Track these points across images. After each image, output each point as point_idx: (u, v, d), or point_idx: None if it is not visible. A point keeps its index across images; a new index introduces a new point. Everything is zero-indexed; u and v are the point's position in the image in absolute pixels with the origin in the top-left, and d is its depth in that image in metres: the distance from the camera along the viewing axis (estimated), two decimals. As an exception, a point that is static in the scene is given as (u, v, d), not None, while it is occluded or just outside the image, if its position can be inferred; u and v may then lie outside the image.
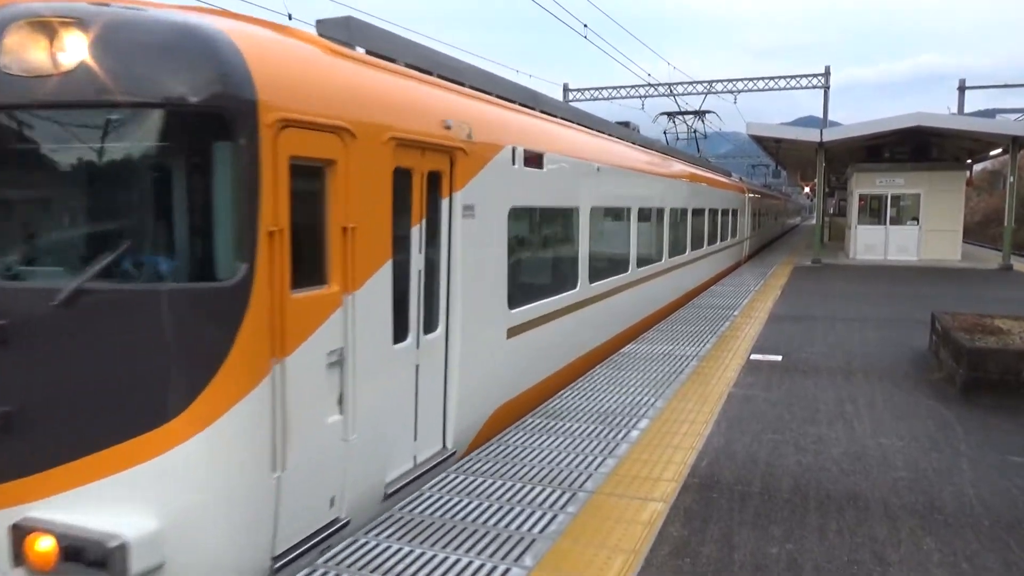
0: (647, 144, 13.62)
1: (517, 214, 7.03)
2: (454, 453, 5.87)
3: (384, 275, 4.79)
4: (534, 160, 7.24)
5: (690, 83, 36.46)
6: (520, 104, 7.80)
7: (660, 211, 12.94)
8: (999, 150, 25.78)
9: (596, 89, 38.41)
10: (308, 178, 4.21)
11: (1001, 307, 12.12)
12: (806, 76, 35.86)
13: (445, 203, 5.67)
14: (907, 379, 8.20)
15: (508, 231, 6.74)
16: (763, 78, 36.34)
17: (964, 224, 25.94)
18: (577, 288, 8.73)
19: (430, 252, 5.49)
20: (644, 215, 11.76)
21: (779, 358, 9.25)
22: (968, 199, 28.43)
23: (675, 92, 34.18)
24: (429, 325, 5.53)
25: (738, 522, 4.50)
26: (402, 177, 5.04)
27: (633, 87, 36.66)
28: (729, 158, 68.60)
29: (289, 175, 3.92)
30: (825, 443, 5.99)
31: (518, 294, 7.11)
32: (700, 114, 25.36)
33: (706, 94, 35.10)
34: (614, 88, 37.70)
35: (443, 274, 5.70)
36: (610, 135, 11.06)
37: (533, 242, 7.95)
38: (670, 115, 25.60)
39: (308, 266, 4.21)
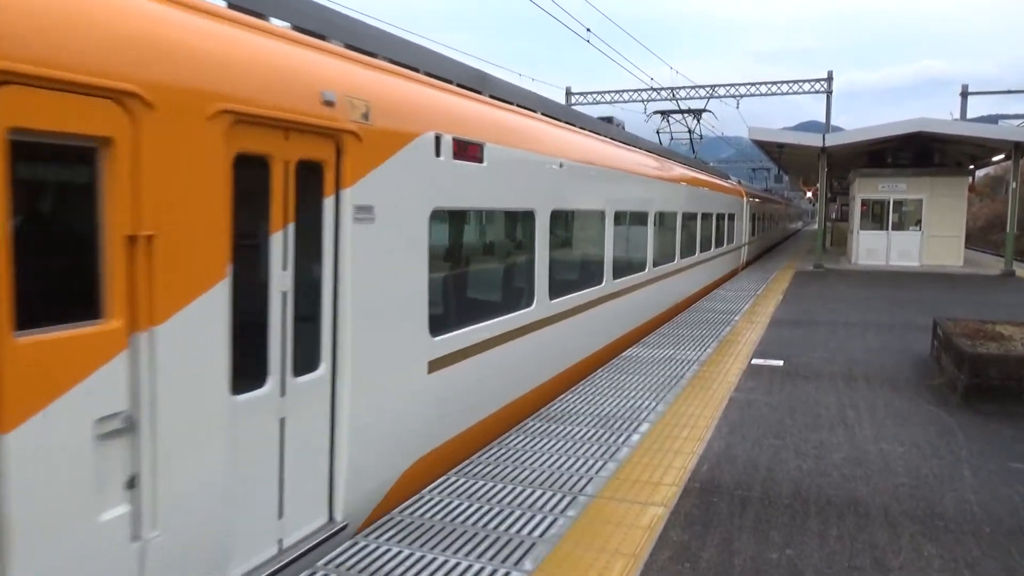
0: (629, 141, 12.35)
1: (443, 218, 5.90)
2: (346, 526, 4.58)
3: (214, 301, 3.52)
4: (470, 152, 5.99)
5: (692, 87, 36.54)
6: (459, 85, 6.46)
7: (643, 215, 11.69)
8: (1002, 156, 25.79)
9: (599, 93, 38.49)
10: (56, 163, 3.08)
11: (1003, 313, 12.11)
12: (809, 81, 35.90)
13: (328, 203, 4.40)
14: (908, 385, 8.19)
15: (430, 239, 5.43)
16: (766, 83, 36.37)
17: (966, 230, 25.93)
18: (533, 306, 7.37)
19: (305, 267, 4.26)
20: (623, 219, 10.54)
21: (780, 363, 9.24)
22: (970, 205, 28.42)
23: (678, 96, 34.26)
24: (306, 363, 4.26)
25: (738, 527, 4.49)
26: (252, 167, 3.81)
27: (636, 91, 36.73)
28: (731, 162, 68.69)
29: (8, 157, 2.72)
30: (826, 448, 5.98)
31: (445, 317, 5.84)
32: (696, 113, 24.66)
33: (708, 98, 35.12)
34: (617, 92, 37.76)
35: (327, 295, 4.43)
36: (583, 129, 9.77)
37: (468, 252, 6.77)
38: (664, 114, 24.79)
39: (57, 293, 3.04)
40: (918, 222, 25.27)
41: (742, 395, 7.64)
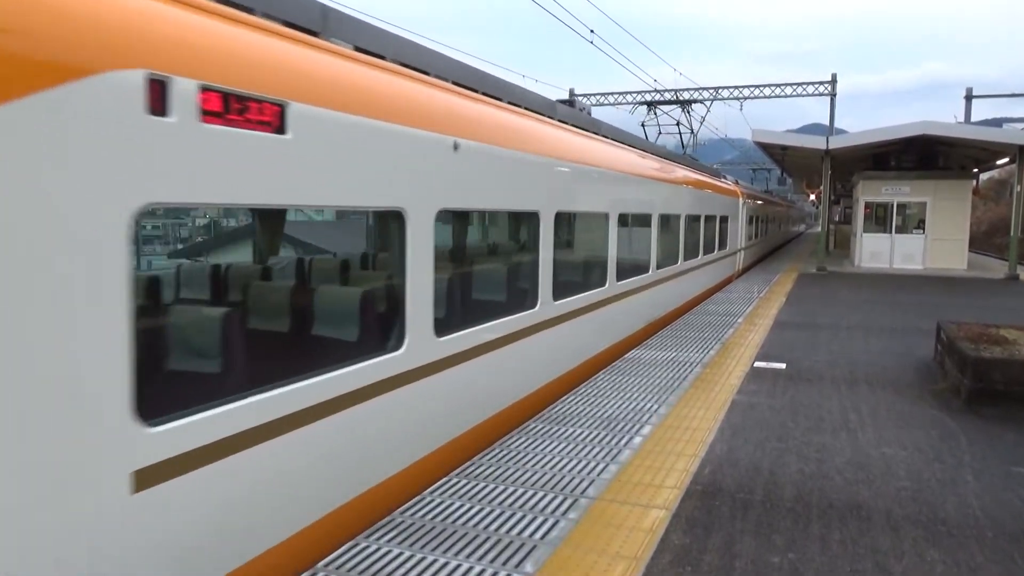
0: (588, 126, 10.00)
1: (171, 220, 4.02)
2: None
3: None
4: (252, 114, 3.78)
5: (696, 89, 36.53)
6: (289, 24, 4.42)
7: (603, 216, 9.50)
8: (1006, 159, 25.74)
9: (602, 95, 38.50)
10: None
11: (1007, 317, 12.08)
12: (812, 84, 35.88)
13: None
14: (911, 389, 8.17)
15: (129, 254, 3.17)
16: (769, 85, 36.36)
17: (970, 233, 25.90)
18: (403, 348, 5.09)
19: None
20: (571, 222, 8.42)
21: (783, 366, 9.22)
22: (974, 208, 28.40)
23: (681, 99, 34.24)
24: None
25: (740, 530, 4.48)
26: None
27: (639, 92, 36.75)
28: (735, 164, 68.81)
29: None
30: (828, 452, 5.97)
31: (184, 388, 3.78)
32: (686, 104, 23.78)
33: (712, 100, 35.12)
34: (620, 94, 37.77)
35: None
36: (512, 105, 7.48)
37: (258, 273, 4.83)
38: (650, 104, 23.88)
39: None
40: (921, 223, 25.26)
41: (744, 398, 7.62)
